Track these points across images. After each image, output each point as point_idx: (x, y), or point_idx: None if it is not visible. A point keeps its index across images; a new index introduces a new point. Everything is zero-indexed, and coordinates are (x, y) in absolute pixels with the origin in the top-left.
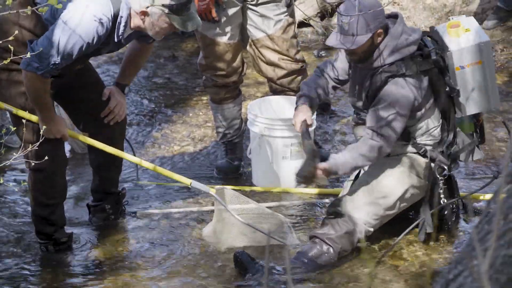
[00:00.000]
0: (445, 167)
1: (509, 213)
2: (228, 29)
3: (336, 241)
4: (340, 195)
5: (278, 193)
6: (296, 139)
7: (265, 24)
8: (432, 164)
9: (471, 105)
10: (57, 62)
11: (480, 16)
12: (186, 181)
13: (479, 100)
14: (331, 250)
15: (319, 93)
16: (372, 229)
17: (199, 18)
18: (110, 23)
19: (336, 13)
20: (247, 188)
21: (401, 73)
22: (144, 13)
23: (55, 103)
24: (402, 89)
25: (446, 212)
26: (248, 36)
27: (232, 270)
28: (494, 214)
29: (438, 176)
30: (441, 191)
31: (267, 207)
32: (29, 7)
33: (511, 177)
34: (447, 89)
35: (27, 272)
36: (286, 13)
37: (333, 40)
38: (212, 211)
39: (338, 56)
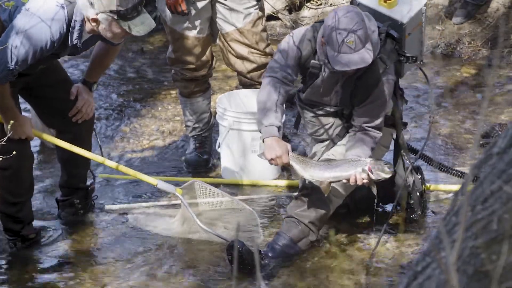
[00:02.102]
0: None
1: (476, 204)
2: (197, 23)
3: (317, 224)
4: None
5: (247, 187)
6: None
7: (234, 17)
8: (394, 130)
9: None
10: (10, 68)
11: (448, 9)
12: (153, 181)
13: (417, 56)
14: (312, 234)
15: (283, 112)
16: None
17: (152, 20)
18: (65, 28)
19: (334, 36)
20: (216, 182)
21: (388, 67)
22: (95, 20)
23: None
24: (390, 83)
25: (413, 201)
26: (217, 29)
27: (203, 261)
28: (462, 206)
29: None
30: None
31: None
32: None
33: (478, 170)
34: (402, 59)
35: None
36: (256, 7)
37: (353, 62)
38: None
39: (287, 58)
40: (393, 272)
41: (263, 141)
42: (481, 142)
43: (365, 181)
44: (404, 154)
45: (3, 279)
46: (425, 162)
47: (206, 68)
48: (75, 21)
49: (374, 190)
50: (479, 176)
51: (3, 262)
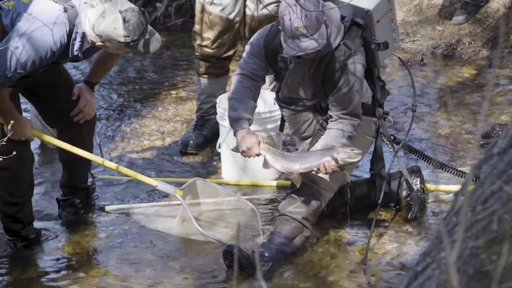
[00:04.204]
0: (388, 117)
1: (477, 205)
2: (223, 1)
3: (310, 219)
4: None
5: (247, 187)
6: (265, 133)
7: (254, 3)
8: (376, 120)
9: (384, 52)
10: (9, 75)
11: (448, 9)
12: (153, 182)
13: (389, 43)
14: (306, 230)
15: (254, 107)
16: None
17: (158, 37)
18: (66, 38)
19: (287, 21)
20: (217, 182)
21: (353, 51)
22: (102, 45)
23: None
24: (358, 67)
25: (412, 198)
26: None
27: (203, 262)
28: (462, 206)
29: (385, 131)
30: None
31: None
32: None
33: (478, 170)
34: (373, 46)
35: None
36: (277, 4)
37: (301, 47)
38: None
39: (254, 54)
40: (393, 272)
41: (235, 135)
42: (481, 142)
43: (334, 168)
44: (388, 143)
45: (3, 280)
46: (409, 151)
47: (221, 51)
48: (76, 33)
49: (348, 177)
50: (478, 176)
51: (4, 262)
